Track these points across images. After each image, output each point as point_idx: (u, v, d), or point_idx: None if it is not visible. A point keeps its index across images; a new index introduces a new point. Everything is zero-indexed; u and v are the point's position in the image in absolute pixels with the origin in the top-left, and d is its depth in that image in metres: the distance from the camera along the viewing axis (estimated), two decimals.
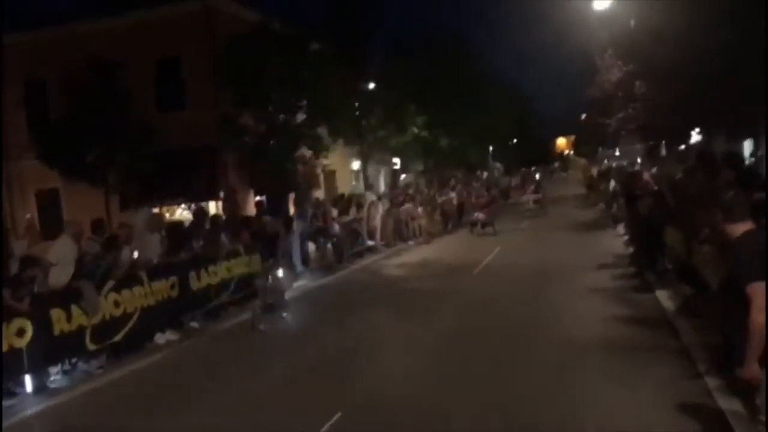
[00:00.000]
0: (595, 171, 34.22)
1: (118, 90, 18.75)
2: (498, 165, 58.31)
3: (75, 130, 18.16)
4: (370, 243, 19.08)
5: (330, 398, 6.72)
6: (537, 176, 41.81)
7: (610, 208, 19.63)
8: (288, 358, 8.80)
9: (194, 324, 10.79)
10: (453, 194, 26.11)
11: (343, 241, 17.18)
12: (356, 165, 29.94)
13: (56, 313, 8.11)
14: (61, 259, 8.53)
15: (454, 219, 25.50)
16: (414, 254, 18.48)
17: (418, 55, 30.11)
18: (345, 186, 27.71)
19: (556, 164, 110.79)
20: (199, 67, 20.85)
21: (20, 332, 7.58)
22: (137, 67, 20.50)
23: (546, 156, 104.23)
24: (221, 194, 20.49)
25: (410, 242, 20.95)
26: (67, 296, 8.35)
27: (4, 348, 7.35)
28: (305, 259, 15.41)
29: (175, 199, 20.39)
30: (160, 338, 10.01)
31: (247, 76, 17.32)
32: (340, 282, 14.85)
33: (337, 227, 17.01)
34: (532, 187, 31.41)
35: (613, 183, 19.93)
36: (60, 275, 8.39)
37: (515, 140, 67.00)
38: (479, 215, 22.37)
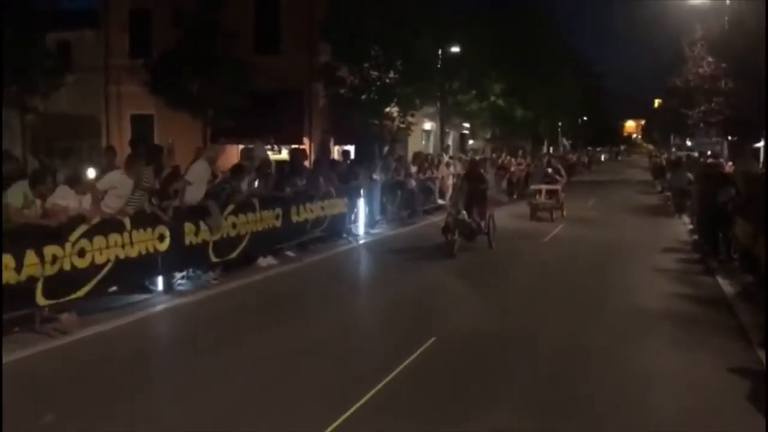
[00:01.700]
0: (663, 158, 34.30)
1: (221, 28, 19.92)
2: (565, 141, 58.14)
3: (178, 61, 19.46)
4: (441, 202, 20.03)
5: (423, 328, 7.78)
6: (602, 158, 41.81)
7: (679, 196, 20.06)
8: (372, 294, 9.96)
9: (290, 253, 12.03)
10: (523, 163, 26.76)
11: (418, 197, 18.18)
12: (428, 126, 30.72)
13: (188, 227, 9.38)
14: (196, 179, 9.75)
15: (520, 188, 26.20)
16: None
17: (501, 20, 30.27)
18: (415, 145, 28.58)
19: (623, 147, 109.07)
20: (297, 13, 21.85)
21: (161, 238, 8.85)
22: (239, 8, 21.61)
23: (613, 137, 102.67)
24: (305, 139, 21.67)
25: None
26: (198, 213, 9.60)
27: (146, 251, 8.62)
28: (383, 209, 16.47)
29: (263, 138, 21.65)
30: (262, 261, 11.28)
31: (345, 32, 18.21)
32: (414, 234, 15.91)
33: (413, 183, 17.99)
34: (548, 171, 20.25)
35: (688, 174, 20.27)
36: (194, 193, 9.63)
37: (584, 118, 66.53)
38: (541, 198, 18.77)
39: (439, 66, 23.48)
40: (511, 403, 5.65)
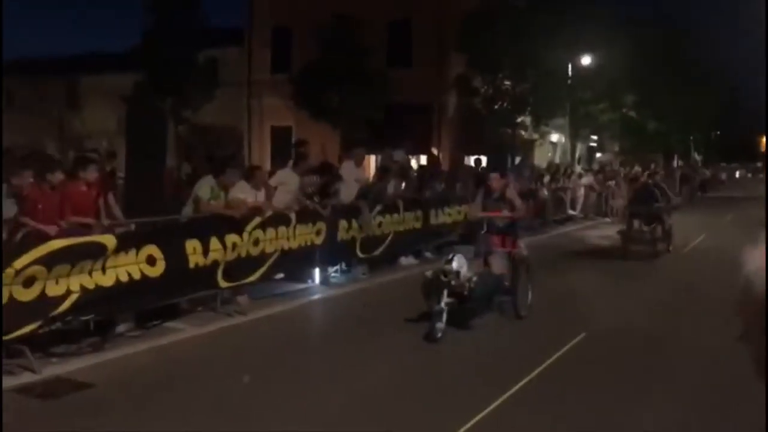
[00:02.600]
0: None
1: (358, 44, 20.91)
2: (696, 156, 55.47)
3: (318, 75, 20.61)
4: (571, 212, 19.93)
5: (572, 323, 7.97)
6: (737, 174, 39.57)
7: None
8: None
9: (429, 254, 12.51)
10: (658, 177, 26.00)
11: (549, 207, 18.21)
12: (554, 138, 30.47)
13: (342, 224, 10.07)
14: (347, 179, 10.46)
15: None
16: (613, 230, 19.03)
17: (634, 31, 29.64)
18: (543, 157, 28.44)
19: (759, 164, 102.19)
20: (428, 28, 22.52)
21: (318, 233, 9.58)
22: (373, 26, 22.55)
23: (749, 153, 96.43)
24: (433, 150, 22.21)
25: (607, 219, 21.45)
26: (351, 211, 10.28)
27: (305, 243, 9.36)
28: None
29: (393, 149, 22.43)
30: (403, 261, 11.83)
31: (479, 43, 18.63)
32: (546, 242, 15.97)
33: (546, 192, 18.06)
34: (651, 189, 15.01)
35: None
36: (347, 193, 10.34)
37: (717, 132, 63.07)
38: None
39: (570, 74, 23.36)
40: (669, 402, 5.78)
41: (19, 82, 28.44)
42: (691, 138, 48.81)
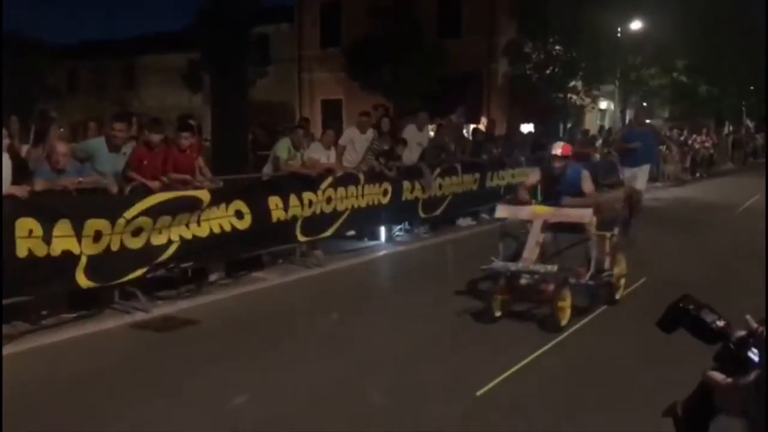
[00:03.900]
0: None
1: (408, 16, 21.22)
2: (749, 122, 54.16)
3: (370, 48, 21.02)
4: (622, 176, 20.01)
5: (635, 270, 8.35)
6: None
7: None
8: None
9: (485, 215, 12.93)
10: (708, 141, 25.81)
11: (600, 171, 18.37)
12: (603, 105, 30.29)
13: (406, 184, 10.58)
14: (410, 142, 10.92)
15: (705, 168, 25.30)
16: (665, 193, 19.16)
17: None
18: (591, 123, 28.38)
19: None
20: None
21: (384, 192, 10.10)
22: None
23: None
24: (482, 118, 22.48)
25: (658, 183, 21.48)
26: (414, 173, 10.77)
27: (373, 202, 9.89)
28: None
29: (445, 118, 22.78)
30: (461, 222, 12.30)
31: (530, 8, 18.76)
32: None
33: (597, 157, 18.22)
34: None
35: None
36: (411, 156, 10.84)
37: None
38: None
39: (620, 39, 23.19)
40: None
41: (81, 64, 29.63)
42: (744, 104, 47.64)
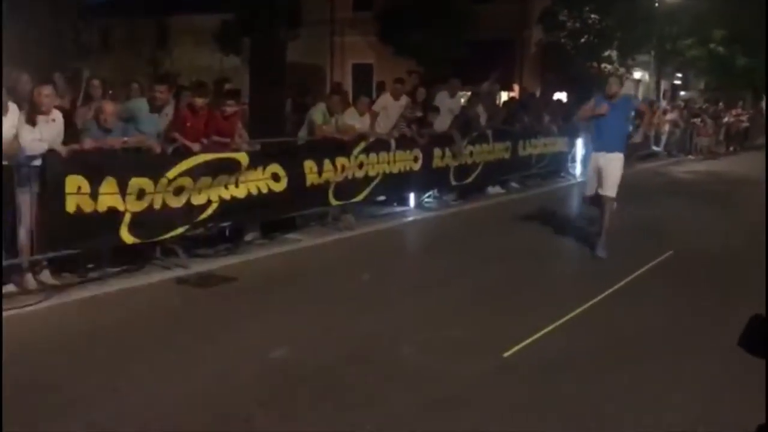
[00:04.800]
0: None
1: None
2: None
3: (403, 12, 20.86)
4: (655, 149, 19.88)
5: (662, 243, 8.43)
6: None
7: None
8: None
9: (515, 184, 13.03)
10: (743, 114, 25.37)
11: (634, 142, 18.23)
12: (637, 75, 29.81)
13: (437, 151, 10.68)
14: (442, 109, 10.99)
15: (739, 140, 24.93)
16: (698, 166, 19.01)
17: None
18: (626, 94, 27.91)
19: None
20: None
21: (415, 159, 10.22)
22: None
23: None
24: (515, 86, 22.31)
25: (691, 156, 21.28)
26: (445, 140, 10.86)
27: (404, 169, 10.02)
28: None
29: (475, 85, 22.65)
30: (491, 190, 12.40)
31: None
32: (633, 176, 16.10)
33: (630, 128, 18.05)
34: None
35: None
36: (442, 123, 10.92)
37: None
38: None
39: (657, 7, 22.74)
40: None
41: (114, 23, 29.84)
42: None
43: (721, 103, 26.48)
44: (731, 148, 24.12)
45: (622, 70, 20.48)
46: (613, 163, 7.75)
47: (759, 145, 25.69)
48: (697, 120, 22.03)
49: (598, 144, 7.97)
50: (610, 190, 7.77)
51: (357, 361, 4.70)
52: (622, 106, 8.04)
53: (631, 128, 11.87)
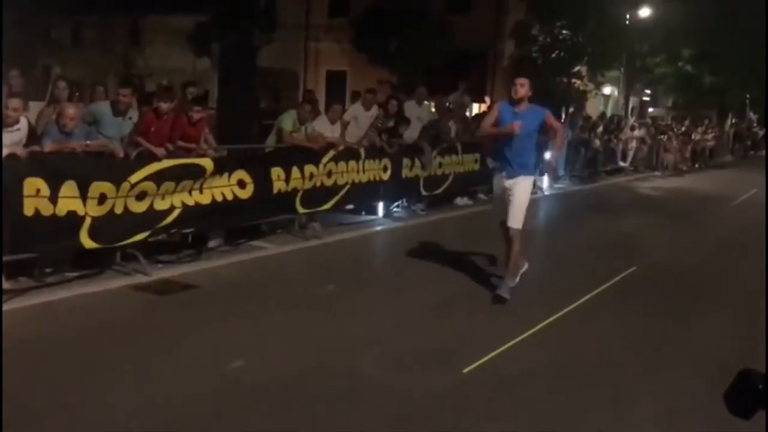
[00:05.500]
0: None
1: None
2: (752, 115, 54.08)
3: (379, 19, 20.88)
4: (621, 164, 20.15)
5: (627, 259, 8.53)
6: None
7: None
8: (567, 234, 10.76)
9: (482, 196, 13.06)
10: (710, 134, 25.90)
11: (600, 157, 18.48)
12: (607, 90, 30.24)
13: (406, 162, 10.68)
14: (410, 118, 11.00)
15: (704, 159, 25.41)
16: (664, 182, 19.33)
17: None
18: (594, 109, 28.33)
19: None
20: None
21: (385, 168, 10.21)
22: None
23: None
24: (486, 98, 22.45)
25: (657, 172, 21.61)
26: (414, 150, 10.87)
27: (372, 178, 10.00)
28: (566, 166, 17.00)
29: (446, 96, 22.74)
30: (459, 201, 12.44)
31: None
32: (598, 191, 16.39)
33: (598, 142, 18.31)
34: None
35: None
36: (412, 133, 10.92)
37: None
38: None
39: (627, 23, 23.10)
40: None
41: (86, 19, 29.41)
42: (748, 96, 47.49)
43: (687, 121, 27.00)
44: (696, 165, 24.56)
45: (591, 85, 20.77)
46: (518, 188, 6.44)
47: (723, 163, 26.25)
48: (664, 137, 22.41)
49: (501, 164, 6.60)
50: (515, 221, 6.46)
51: (318, 374, 4.65)
52: (531, 117, 6.42)
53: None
